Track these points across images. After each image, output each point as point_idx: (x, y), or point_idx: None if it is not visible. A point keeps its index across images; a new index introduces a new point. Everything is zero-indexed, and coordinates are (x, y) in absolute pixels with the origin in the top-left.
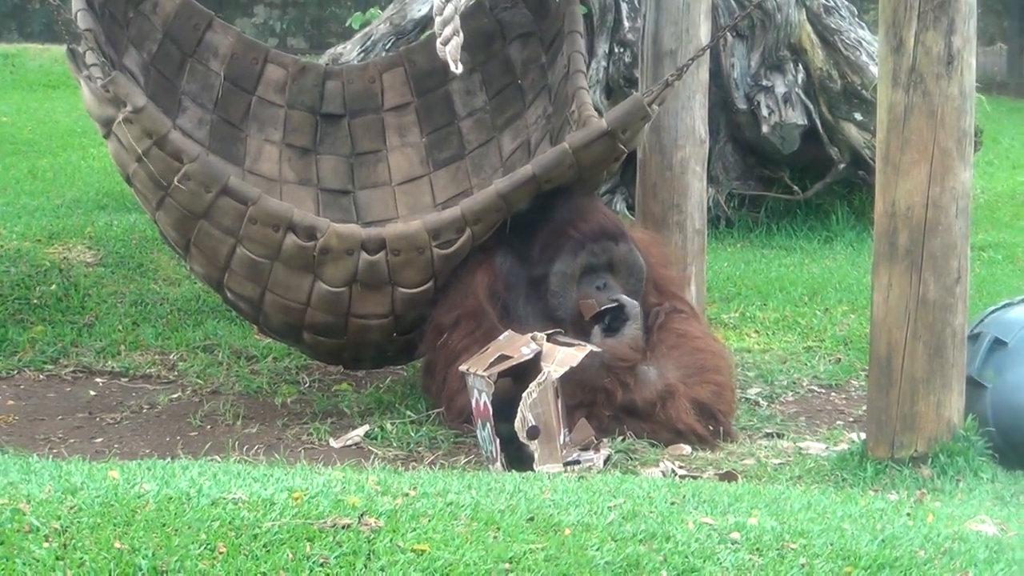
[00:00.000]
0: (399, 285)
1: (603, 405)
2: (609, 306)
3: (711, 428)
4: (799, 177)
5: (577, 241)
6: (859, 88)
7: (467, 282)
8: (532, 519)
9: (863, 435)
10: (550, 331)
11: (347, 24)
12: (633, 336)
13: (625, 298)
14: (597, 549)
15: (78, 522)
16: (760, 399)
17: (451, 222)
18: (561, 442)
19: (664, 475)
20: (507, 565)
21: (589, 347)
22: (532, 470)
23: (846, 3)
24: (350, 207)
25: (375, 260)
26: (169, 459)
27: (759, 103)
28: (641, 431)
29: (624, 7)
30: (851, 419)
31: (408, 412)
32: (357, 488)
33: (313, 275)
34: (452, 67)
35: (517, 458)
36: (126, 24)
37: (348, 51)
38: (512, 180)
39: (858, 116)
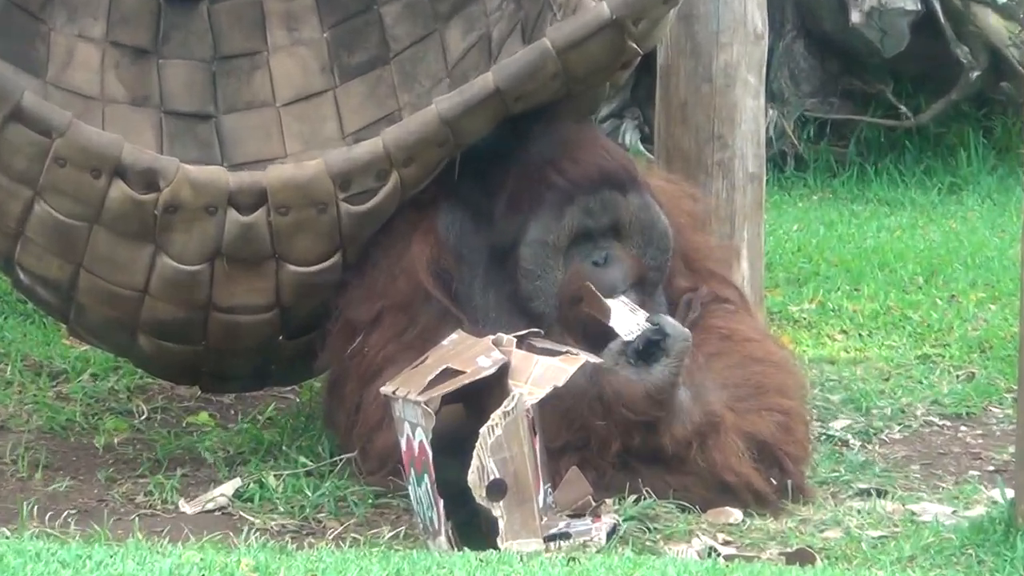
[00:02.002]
0: (288, 260)
1: (605, 447)
2: (647, 329)
3: (774, 480)
4: (909, 92)
5: (563, 192)
6: None
7: (395, 255)
8: None
9: (1010, 492)
10: (522, 332)
11: None
12: (658, 381)
13: (670, 322)
14: None
15: None
16: (850, 436)
17: (369, 163)
18: (540, 504)
19: (701, 555)
20: None
21: (583, 356)
22: (496, 547)
23: None
24: (211, 140)
25: (250, 222)
26: None
27: None
28: (665, 486)
29: None
30: (991, 467)
31: (302, 458)
32: None
33: (154, 246)
34: None
35: (472, 528)
36: None
37: None
38: (463, 98)
39: None
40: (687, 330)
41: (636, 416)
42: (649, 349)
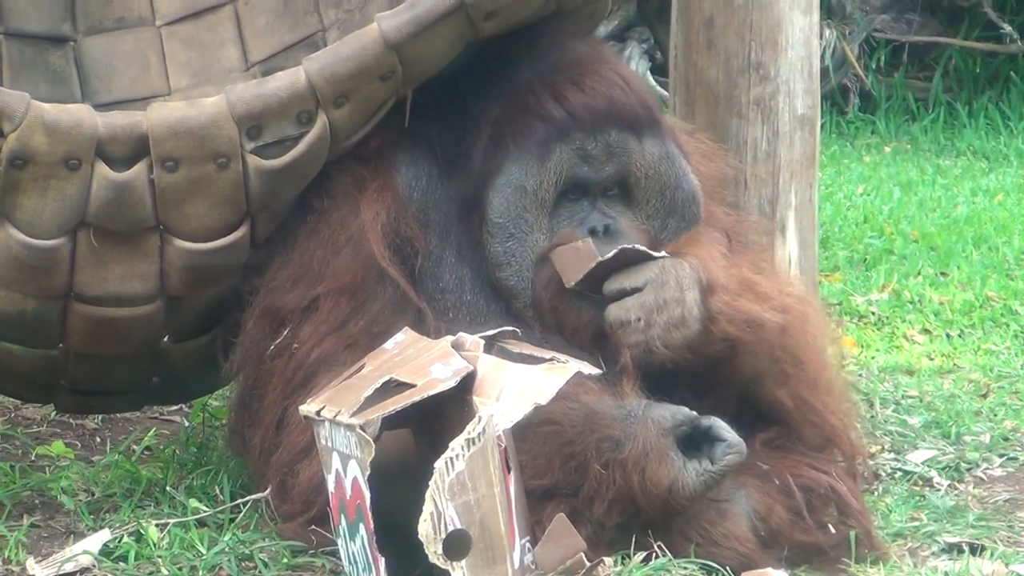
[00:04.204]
0: (176, 234)
1: (590, 501)
2: (697, 417)
3: (828, 526)
4: (1015, 7)
5: (557, 124)
6: None
7: (338, 222)
8: None
9: None
10: (492, 331)
11: None
12: (688, 483)
13: (726, 427)
14: None
15: None
16: (935, 472)
17: (286, 101)
18: (516, 564)
19: None
20: None
21: (573, 365)
22: None
23: None
24: (68, 71)
25: (126, 182)
26: None
27: None
28: (684, 540)
29: None
30: None
31: (193, 502)
32: None
33: None
34: None
35: None
36: None
37: None
38: (415, 13)
39: None
40: (742, 442)
41: (641, 500)
42: (694, 439)
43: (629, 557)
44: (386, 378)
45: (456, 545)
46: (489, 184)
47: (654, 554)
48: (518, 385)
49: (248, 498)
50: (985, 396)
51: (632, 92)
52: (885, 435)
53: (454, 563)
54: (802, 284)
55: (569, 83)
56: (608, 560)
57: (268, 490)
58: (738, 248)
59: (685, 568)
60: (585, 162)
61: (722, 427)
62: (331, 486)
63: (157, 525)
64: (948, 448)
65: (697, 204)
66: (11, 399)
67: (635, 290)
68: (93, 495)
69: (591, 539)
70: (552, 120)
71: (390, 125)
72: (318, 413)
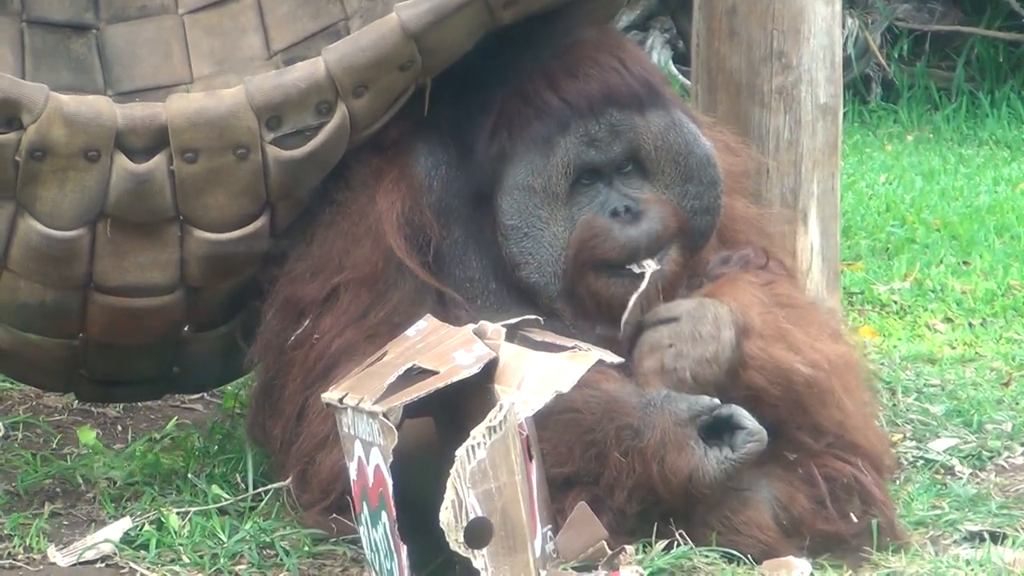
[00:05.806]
0: (196, 224)
1: (610, 489)
2: (717, 406)
3: (851, 515)
4: None
5: (555, 116)
6: None
7: (357, 213)
8: None
9: None
10: (514, 319)
11: None
12: (709, 470)
13: (745, 415)
14: None
15: None
16: (957, 461)
17: (306, 92)
18: (538, 552)
19: None
20: None
21: (595, 353)
22: None
23: None
24: (90, 59)
25: (146, 173)
26: None
27: None
28: (706, 528)
29: None
30: None
31: (215, 489)
32: None
33: (15, 204)
34: None
35: None
36: None
37: None
38: (434, 3)
39: None
40: (763, 430)
41: (661, 489)
42: (716, 427)
43: (650, 545)
44: (409, 365)
45: (477, 533)
46: (497, 186)
47: (676, 542)
48: (539, 373)
49: (269, 487)
50: (1007, 384)
51: (628, 72)
52: (907, 423)
53: (475, 551)
54: (835, 323)
55: (564, 72)
56: (629, 548)
57: (289, 479)
58: (769, 255)
59: (707, 556)
60: (592, 146)
61: (743, 415)
62: (353, 473)
63: (178, 513)
64: (970, 436)
65: (713, 166)
66: (34, 388)
67: (671, 320)
68: (114, 483)
69: (612, 527)
70: (549, 113)
71: (409, 114)
72: (341, 400)
